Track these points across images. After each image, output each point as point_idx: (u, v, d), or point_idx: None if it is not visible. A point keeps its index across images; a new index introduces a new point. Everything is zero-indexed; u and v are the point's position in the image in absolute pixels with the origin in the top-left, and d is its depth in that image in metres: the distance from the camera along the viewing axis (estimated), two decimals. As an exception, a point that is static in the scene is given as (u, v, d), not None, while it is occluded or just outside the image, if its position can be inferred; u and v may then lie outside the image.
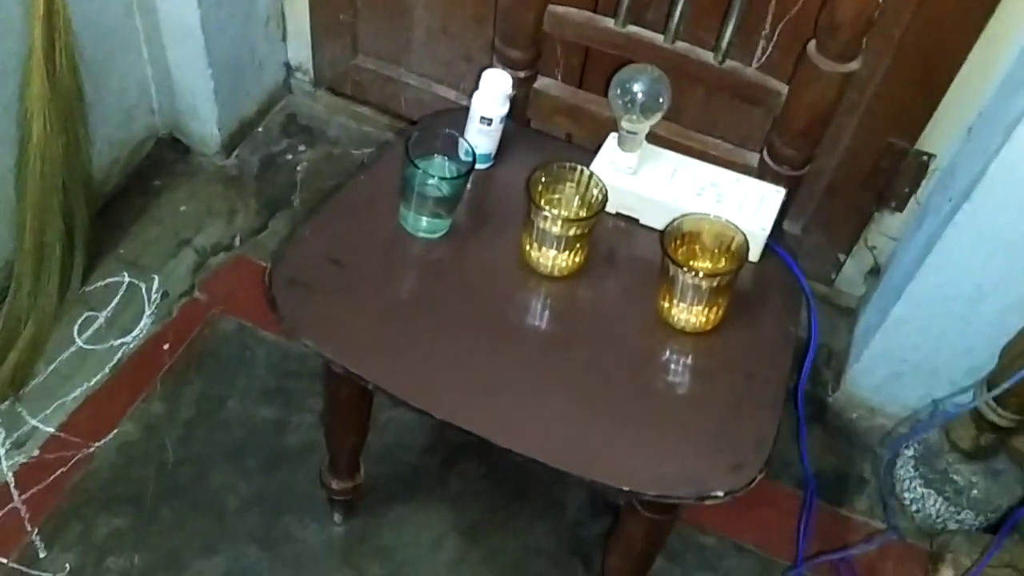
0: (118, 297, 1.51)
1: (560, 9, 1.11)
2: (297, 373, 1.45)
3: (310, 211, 1.65)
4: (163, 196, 1.66)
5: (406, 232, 1.02)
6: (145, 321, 1.49)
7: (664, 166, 1.07)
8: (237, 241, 1.62)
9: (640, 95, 0.99)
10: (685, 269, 0.93)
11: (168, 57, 1.61)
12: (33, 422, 1.35)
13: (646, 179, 1.06)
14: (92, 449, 1.34)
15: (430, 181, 0.97)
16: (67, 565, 1.24)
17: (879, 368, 1.44)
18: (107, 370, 1.42)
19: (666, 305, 0.97)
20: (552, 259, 0.99)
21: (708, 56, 1.08)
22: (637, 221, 1.07)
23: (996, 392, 1.23)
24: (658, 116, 1.01)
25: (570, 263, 1.00)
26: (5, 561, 1.23)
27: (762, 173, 1.10)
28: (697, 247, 0.99)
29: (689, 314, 0.96)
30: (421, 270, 1.02)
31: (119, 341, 1.46)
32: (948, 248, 1.25)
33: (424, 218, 1.00)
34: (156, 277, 1.55)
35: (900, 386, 1.44)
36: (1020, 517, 1.31)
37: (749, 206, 1.04)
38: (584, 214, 0.99)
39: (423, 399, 0.91)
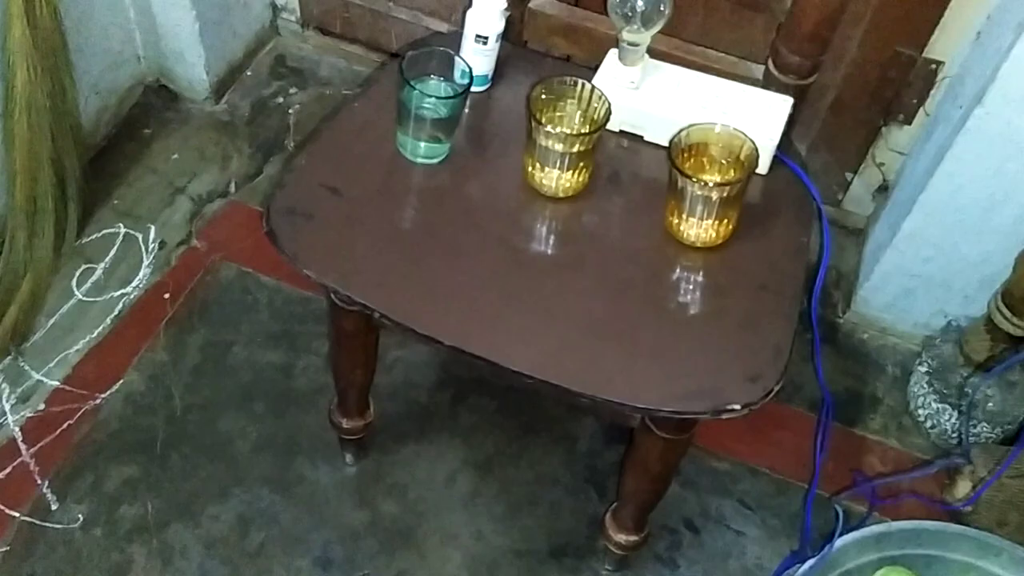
0: (115, 248, 1.49)
1: (553, -78, 1.07)
2: (301, 316, 1.44)
3: (305, 140, 1.62)
4: (155, 144, 1.63)
5: (405, 158, 0.99)
6: (144, 271, 1.47)
7: (667, 80, 1.04)
8: (232, 187, 1.59)
9: (641, 4, 0.95)
10: (694, 180, 0.90)
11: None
12: (37, 376, 1.34)
13: (649, 94, 1.03)
14: (99, 400, 1.33)
15: (426, 102, 0.94)
16: (80, 516, 1.23)
17: (890, 285, 1.42)
18: (108, 321, 1.40)
19: (675, 220, 0.95)
20: (556, 179, 0.96)
21: (709, -37, 1.05)
22: (641, 138, 1.04)
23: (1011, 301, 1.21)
24: (660, 25, 0.97)
25: (574, 182, 0.97)
26: (17, 515, 1.22)
27: (768, 84, 1.07)
28: (705, 159, 0.96)
29: (699, 228, 0.94)
30: (422, 196, 0.99)
31: (119, 292, 1.44)
32: (959, 156, 1.22)
33: (422, 143, 0.97)
34: (152, 227, 1.52)
35: (912, 303, 1.42)
36: (1037, 427, 1.31)
37: (756, 117, 1.01)
38: (587, 130, 0.96)
39: (430, 325, 0.89)
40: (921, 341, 1.43)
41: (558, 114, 0.98)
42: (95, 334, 1.39)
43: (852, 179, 1.54)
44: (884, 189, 1.52)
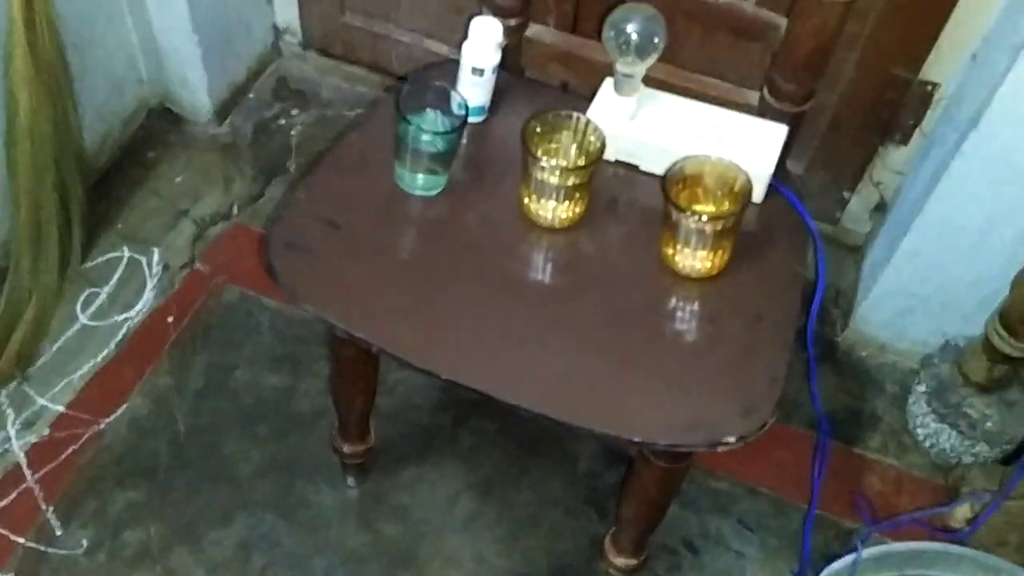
0: (119, 272, 1.50)
1: (549, -48, 1.08)
2: (303, 339, 1.45)
3: (303, 173, 1.63)
4: (158, 167, 1.65)
5: (402, 190, 1.00)
6: (148, 295, 1.48)
7: (663, 109, 1.05)
8: (235, 209, 1.60)
9: (635, 36, 0.96)
10: (688, 213, 0.91)
11: (153, 24, 1.58)
12: (42, 401, 1.35)
13: (645, 123, 1.04)
14: (102, 425, 1.34)
15: (423, 137, 0.95)
16: (84, 541, 1.24)
17: (888, 304, 1.42)
18: (112, 346, 1.42)
19: (670, 251, 0.95)
20: (552, 210, 0.97)
21: (703, -8, 1.06)
22: (637, 167, 1.05)
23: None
24: (654, 57, 0.98)
25: (571, 213, 0.98)
26: (22, 540, 1.23)
27: (763, 112, 1.08)
28: (699, 190, 0.97)
29: (694, 259, 0.95)
30: (420, 228, 1.00)
31: (123, 316, 1.45)
32: (956, 178, 1.22)
33: (420, 175, 0.98)
34: (156, 250, 1.53)
35: (910, 322, 1.42)
36: (1036, 447, 1.31)
37: (751, 146, 1.02)
38: (582, 162, 0.97)
39: (428, 359, 0.90)
40: (920, 360, 1.43)
41: (553, 146, 0.99)
42: (99, 359, 1.40)
43: (850, 198, 1.54)
44: (881, 208, 1.52)
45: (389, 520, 1.29)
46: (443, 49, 1.66)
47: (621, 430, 0.87)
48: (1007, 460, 1.35)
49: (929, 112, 1.37)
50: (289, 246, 0.94)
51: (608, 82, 1.05)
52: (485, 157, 1.06)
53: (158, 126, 1.69)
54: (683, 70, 1.12)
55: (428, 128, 0.95)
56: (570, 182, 0.94)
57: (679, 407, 0.89)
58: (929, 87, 1.35)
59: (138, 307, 1.47)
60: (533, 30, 1.15)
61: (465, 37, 1.02)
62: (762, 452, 1.37)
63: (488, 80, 1.03)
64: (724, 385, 0.90)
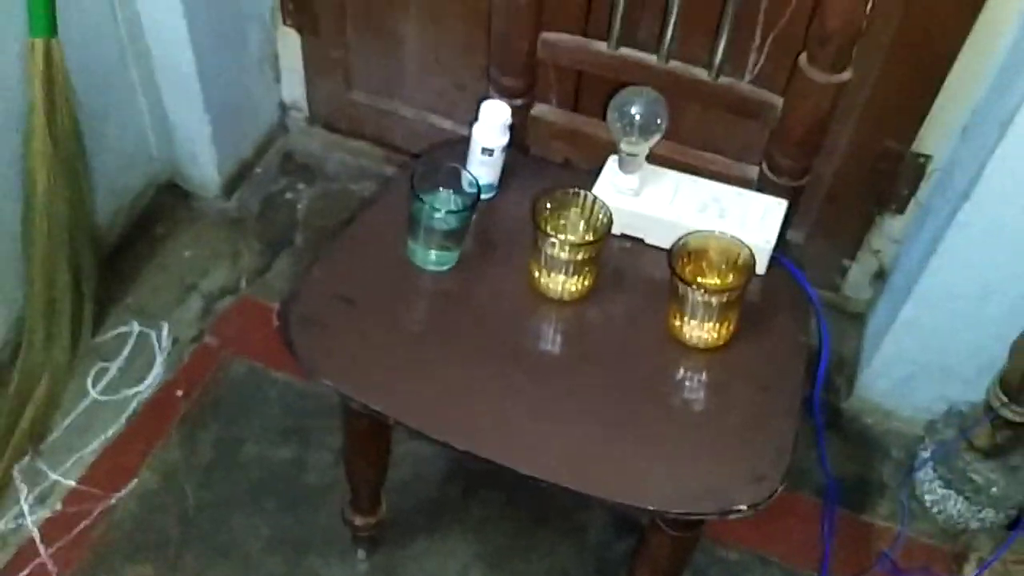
0: (129, 346, 1.52)
1: (552, 36, 1.12)
2: (312, 411, 1.46)
3: (318, 250, 1.66)
4: (167, 242, 1.67)
5: (415, 266, 1.03)
6: (157, 369, 1.49)
7: (666, 185, 1.08)
8: (243, 283, 1.63)
9: (638, 117, 1.00)
10: (694, 287, 0.93)
11: (165, 104, 1.62)
12: (54, 476, 1.36)
13: (649, 199, 1.07)
14: (113, 500, 1.34)
15: (436, 215, 0.98)
16: (95, 618, 1.24)
17: (891, 371, 1.44)
18: (123, 420, 1.43)
19: (677, 323, 0.98)
20: (562, 284, 1.00)
21: (702, 73, 1.10)
22: (643, 241, 1.08)
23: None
24: (657, 137, 1.02)
25: (580, 287, 1.01)
26: (33, 617, 1.23)
27: (762, 186, 1.11)
28: (704, 264, 0.99)
29: (701, 331, 0.97)
30: (433, 302, 1.03)
31: (133, 391, 1.46)
32: (952, 247, 1.25)
33: (433, 251, 1.01)
34: (165, 324, 1.55)
35: (913, 388, 1.44)
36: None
37: (752, 220, 1.05)
38: (590, 238, 1.00)
39: (443, 431, 0.91)
40: (924, 426, 1.45)
41: (562, 222, 1.02)
42: (110, 433, 1.41)
43: (850, 266, 1.57)
44: (881, 275, 1.55)
45: (399, 593, 1.29)
46: (447, 124, 1.70)
47: (634, 499, 0.88)
48: (1013, 524, 1.35)
49: (923, 183, 1.41)
50: (306, 322, 0.96)
51: (612, 159, 1.08)
52: (495, 232, 1.09)
53: (167, 201, 1.73)
54: (684, 146, 1.16)
55: (441, 207, 0.98)
56: (579, 257, 0.97)
57: (691, 476, 0.90)
58: (922, 159, 1.39)
59: (148, 381, 1.48)
60: (537, 109, 1.19)
61: (472, 116, 1.06)
62: (771, 520, 1.38)
63: (497, 159, 1.07)
64: (734, 454, 0.92)
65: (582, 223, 1.02)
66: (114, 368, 1.49)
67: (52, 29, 1.27)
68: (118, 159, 1.59)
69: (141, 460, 1.39)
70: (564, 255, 0.97)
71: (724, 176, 1.13)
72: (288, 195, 1.77)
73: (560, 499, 1.38)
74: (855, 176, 1.45)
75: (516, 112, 1.13)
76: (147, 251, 1.66)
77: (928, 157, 1.39)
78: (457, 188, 1.02)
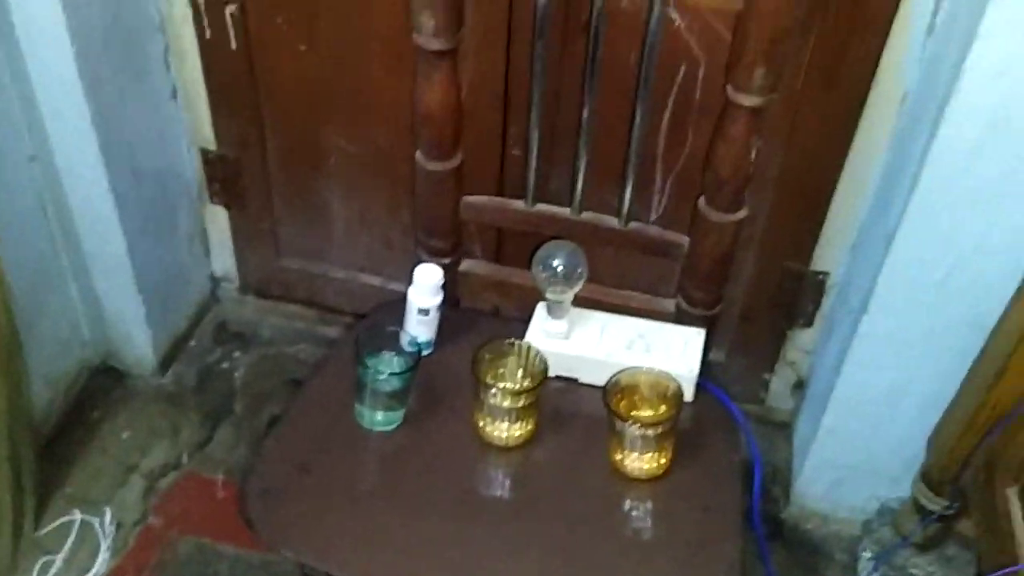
0: (72, 536, 1.49)
1: (473, 199, 1.21)
2: (264, 582, 1.45)
3: (268, 421, 1.67)
4: (104, 426, 1.67)
5: (364, 427, 1.07)
6: (103, 556, 1.47)
7: (593, 326, 1.16)
8: (184, 458, 1.62)
9: (561, 268, 1.08)
10: (629, 423, 0.99)
11: (97, 289, 1.64)
12: None
13: (579, 341, 1.14)
14: None
15: (380, 377, 1.03)
16: None
17: (822, 476, 1.51)
18: (70, 614, 1.39)
19: (618, 457, 1.03)
20: (506, 431, 1.05)
21: (613, 221, 1.19)
22: (577, 380, 1.15)
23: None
24: (580, 284, 1.10)
25: (523, 432, 1.06)
26: None
27: (680, 317, 1.20)
28: (636, 398, 1.06)
29: (641, 462, 1.03)
30: (384, 462, 1.06)
31: (79, 582, 1.43)
32: (859, 356, 1.34)
33: (379, 412, 1.05)
34: (108, 509, 1.53)
35: (845, 491, 1.51)
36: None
37: (676, 351, 1.13)
38: (528, 384, 1.06)
39: (405, 590, 0.94)
40: (861, 526, 1.51)
41: (500, 371, 1.08)
42: (57, 629, 1.37)
43: (770, 378, 1.66)
44: (800, 385, 1.64)
45: None
46: (376, 281, 1.76)
47: (596, 635, 0.91)
48: (957, 614, 1.41)
49: (825, 298, 1.52)
50: (265, 494, 0.99)
51: (541, 306, 1.16)
52: (438, 386, 1.14)
53: (101, 384, 1.73)
54: (605, 287, 1.24)
55: (385, 369, 1.04)
56: (520, 404, 1.03)
57: (648, 605, 0.94)
58: (821, 276, 1.50)
59: (94, 571, 1.45)
60: (465, 264, 1.26)
61: (403, 273, 1.13)
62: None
63: (434, 317, 1.13)
64: (685, 577, 0.96)
65: (520, 370, 1.08)
66: (59, 560, 1.45)
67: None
68: (52, 348, 1.60)
69: (92, 654, 1.35)
70: (506, 403, 1.03)
71: (644, 311, 1.21)
72: (224, 364, 1.79)
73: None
74: (764, 296, 1.55)
75: (445, 269, 1.20)
76: (85, 436, 1.64)
77: (826, 274, 1.50)
78: (398, 349, 1.07)
